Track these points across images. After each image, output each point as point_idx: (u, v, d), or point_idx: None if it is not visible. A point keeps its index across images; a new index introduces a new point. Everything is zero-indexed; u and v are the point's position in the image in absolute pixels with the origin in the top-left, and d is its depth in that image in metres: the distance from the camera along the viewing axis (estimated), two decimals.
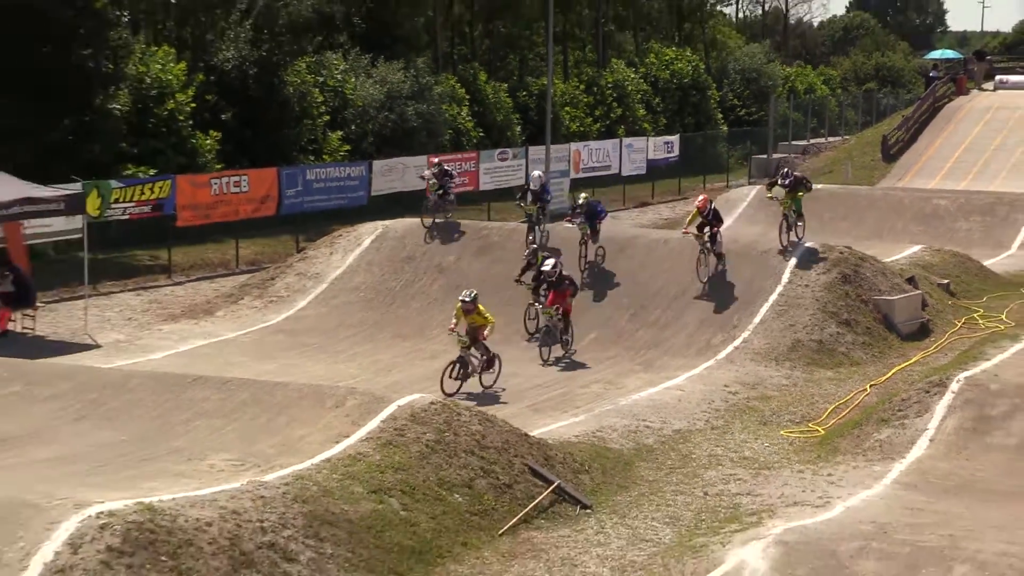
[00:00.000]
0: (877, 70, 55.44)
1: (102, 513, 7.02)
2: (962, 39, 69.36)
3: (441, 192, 18.28)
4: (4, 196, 15.10)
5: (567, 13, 38.75)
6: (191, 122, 24.28)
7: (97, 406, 10.75)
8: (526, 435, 10.19)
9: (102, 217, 19.97)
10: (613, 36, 45.06)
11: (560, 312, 14.44)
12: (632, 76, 40.39)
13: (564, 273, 14.76)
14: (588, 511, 9.53)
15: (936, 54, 52.31)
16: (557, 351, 14.59)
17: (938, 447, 10.77)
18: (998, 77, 39.42)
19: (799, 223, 17.13)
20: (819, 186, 25.09)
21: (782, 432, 11.83)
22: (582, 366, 14.61)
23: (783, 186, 17.15)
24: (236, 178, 23.35)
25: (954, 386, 11.46)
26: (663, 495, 9.98)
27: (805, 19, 63.99)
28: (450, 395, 12.05)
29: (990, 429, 10.94)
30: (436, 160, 20.43)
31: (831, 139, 41.45)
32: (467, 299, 12.82)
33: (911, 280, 17.34)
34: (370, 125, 28.54)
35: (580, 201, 17.16)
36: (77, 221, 17.40)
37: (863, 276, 16.46)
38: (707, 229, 16.01)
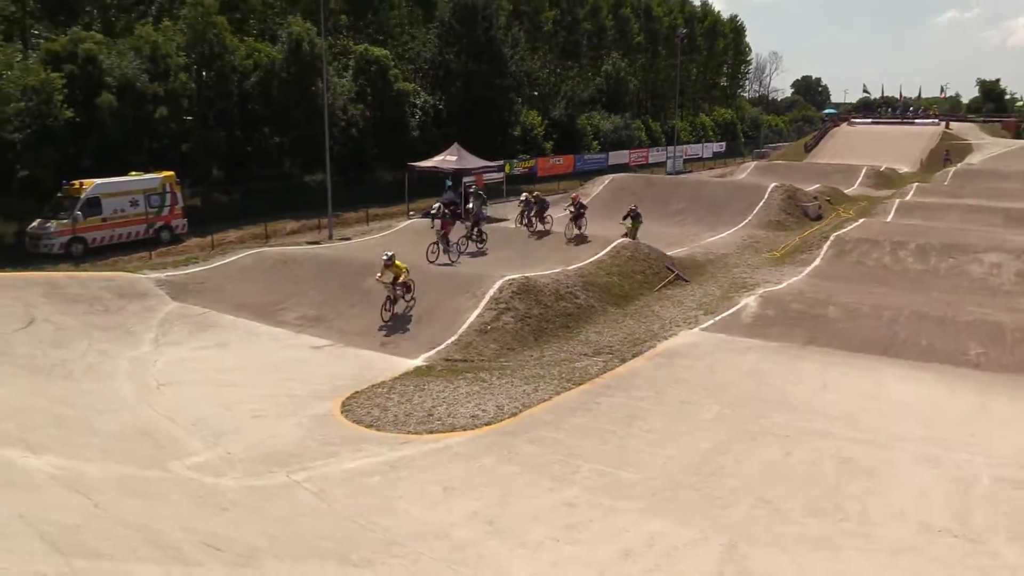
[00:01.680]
0: (803, 118, 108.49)
1: (511, 279, 20.71)
2: (836, 105, 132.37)
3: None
4: (476, 164, 34.07)
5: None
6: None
7: (507, 243, 25.16)
8: (664, 253, 24.86)
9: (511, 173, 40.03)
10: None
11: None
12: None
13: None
14: (687, 282, 24.20)
15: (829, 110, 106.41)
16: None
17: (823, 261, 25.72)
18: (851, 119, 79.45)
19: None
20: (778, 161, 52.06)
21: (763, 254, 26.87)
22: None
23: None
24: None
25: (831, 237, 26.62)
26: (716, 277, 24.42)
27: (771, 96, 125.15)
28: (386, 322, 18.19)
29: (843, 255, 26.03)
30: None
31: (783, 144, 76.58)
32: (385, 258, 18.78)
33: (816, 197, 32.95)
34: None
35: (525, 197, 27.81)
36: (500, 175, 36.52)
37: (796, 195, 32.29)
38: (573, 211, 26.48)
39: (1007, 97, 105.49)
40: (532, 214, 27.29)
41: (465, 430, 12.91)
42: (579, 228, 26.15)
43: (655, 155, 62.82)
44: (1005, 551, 9.67)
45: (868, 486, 11.10)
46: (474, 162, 35.67)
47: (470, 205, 27.43)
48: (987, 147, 69.43)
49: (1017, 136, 77.18)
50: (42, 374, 14.24)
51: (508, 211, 36.24)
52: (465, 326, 17.79)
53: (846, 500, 10.80)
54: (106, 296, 19.10)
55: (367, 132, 40.87)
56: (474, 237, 25.11)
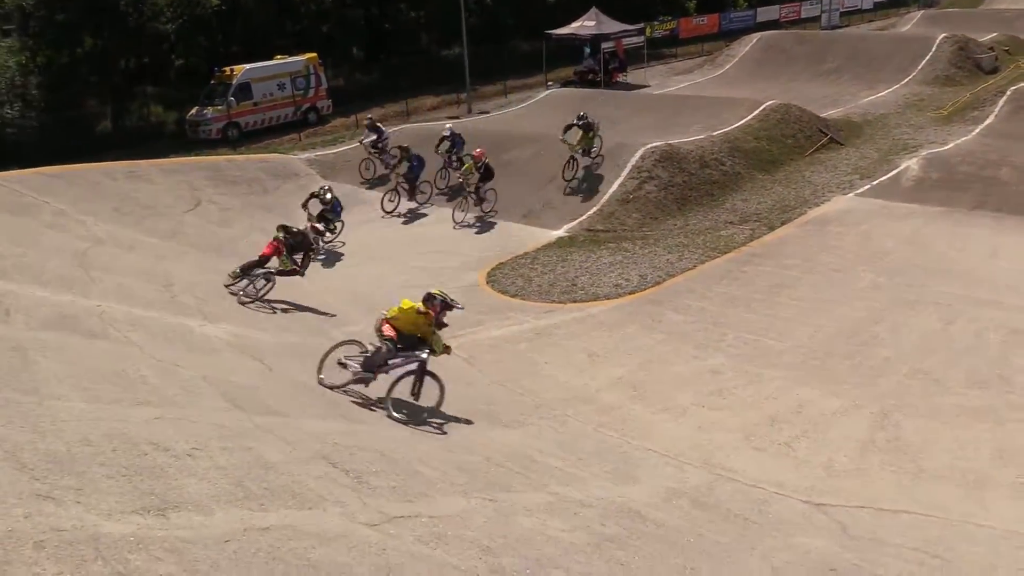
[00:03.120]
0: None
1: (653, 147, 19.82)
2: None
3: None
4: (615, 28, 33.91)
5: None
6: None
7: (648, 110, 24.50)
8: (817, 115, 23.49)
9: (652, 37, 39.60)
10: None
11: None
12: None
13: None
14: (842, 145, 22.80)
15: None
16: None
17: (998, 119, 23.50)
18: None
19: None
20: (950, 9, 51.30)
21: (928, 113, 24.92)
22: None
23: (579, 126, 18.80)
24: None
25: (1008, 92, 24.21)
26: (874, 139, 22.95)
27: None
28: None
29: (1021, 111, 23.68)
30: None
31: None
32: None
33: (992, 48, 29.75)
34: None
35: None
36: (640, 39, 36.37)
37: (969, 46, 30.02)
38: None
39: None
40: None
41: (609, 299, 13.02)
42: (480, 205, 17.80)
43: (808, 9, 58.30)
44: None
45: None
46: (613, 26, 34.42)
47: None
48: None
49: None
50: (212, 251, 15.32)
51: (649, 76, 35.09)
52: (607, 196, 17.64)
53: (1013, 372, 10.27)
54: (263, 177, 20.10)
55: (502, 1, 40.03)
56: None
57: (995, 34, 37.80)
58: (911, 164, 19.20)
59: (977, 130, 22.33)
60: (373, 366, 9.01)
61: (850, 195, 17.75)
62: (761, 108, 22.45)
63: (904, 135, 22.83)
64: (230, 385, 8.23)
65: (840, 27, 54.33)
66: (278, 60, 30.57)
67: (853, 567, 6.84)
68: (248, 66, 29.47)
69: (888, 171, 19.05)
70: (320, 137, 27.34)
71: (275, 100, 29.87)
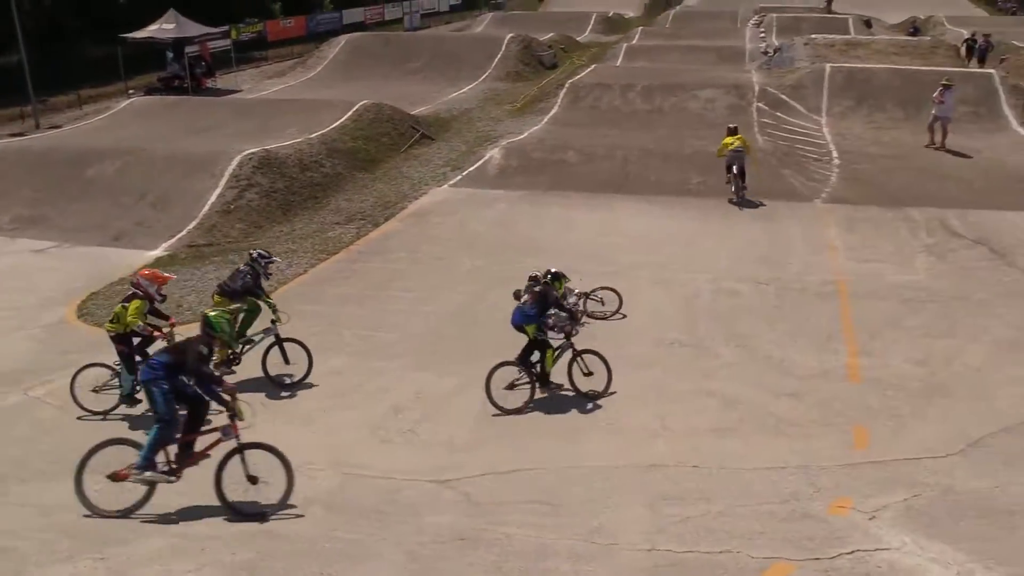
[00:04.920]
0: None
1: (250, 153, 19.05)
2: None
3: None
4: (197, 31, 32.28)
5: None
6: None
7: (242, 115, 23.38)
8: (408, 113, 24.55)
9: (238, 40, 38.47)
10: None
11: None
12: None
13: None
14: (433, 140, 24.10)
15: None
16: None
17: (561, 108, 26.47)
18: None
19: None
20: (514, 12, 52.48)
21: (504, 107, 27.29)
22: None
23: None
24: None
25: (567, 85, 27.53)
26: (461, 133, 24.26)
27: None
28: None
29: (578, 101, 27.04)
30: None
31: None
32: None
33: (551, 46, 33.67)
34: None
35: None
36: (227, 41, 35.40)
37: (532, 45, 33.66)
38: None
39: None
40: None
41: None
42: None
43: (391, 11, 60.87)
44: (723, 351, 11.10)
45: (616, 313, 12.13)
46: (195, 29, 32.72)
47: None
48: None
49: None
50: None
51: (240, 81, 34.03)
52: (207, 207, 16.80)
53: (598, 327, 11.78)
54: None
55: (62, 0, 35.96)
56: None
57: (552, 34, 42.78)
58: (494, 153, 20.99)
59: (545, 120, 25.08)
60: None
61: (445, 186, 18.93)
62: (355, 108, 22.95)
63: (486, 127, 24.87)
64: None
65: (422, 28, 57.53)
66: None
67: (479, 531, 7.36)
68: None
69: (475, 161, 20.63)
70: None
71: None
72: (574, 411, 9.80)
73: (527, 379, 9.95)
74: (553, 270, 10.62)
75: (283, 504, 7.44)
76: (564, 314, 10.11)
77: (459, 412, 9.83)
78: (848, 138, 22.58)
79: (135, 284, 9.74)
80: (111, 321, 9.60)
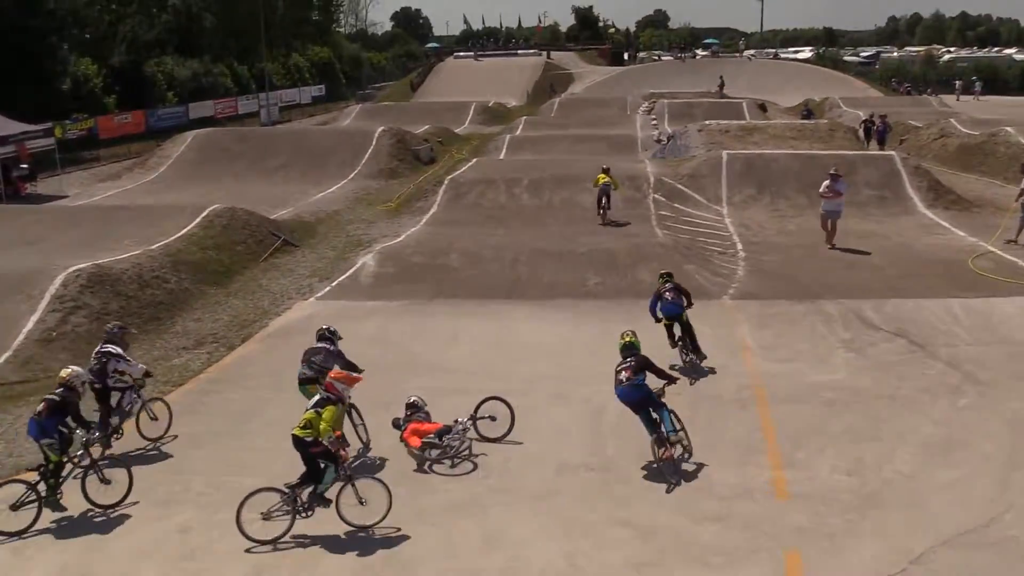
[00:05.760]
0: (406, 53, 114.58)
1: (78, 269, 17.85)
2: (439, 38, 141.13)
3: None
4: (14, 130, 32.20)
5: None
6: None
7: (68, 225, 22.73)
8: (267, 217, 24.32)
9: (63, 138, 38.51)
10: None
11: None
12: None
13: None
14: (297, 247, 23.94)
15: (432, 45, 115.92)
16: None
17: (441, 207, 27.03)
18: (456, 53, 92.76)
19: None
20: (385, 103, 62.50)
21: (378, 207, 27.51)
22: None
23: None
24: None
25: (446, 181, 28.05)
26: (328, 238, 24.49)
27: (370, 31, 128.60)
28: None
29: (460, 198, 27.56)
30: None
31: (387, 84, 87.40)
32: None
33: (427, 139, 34.46)
34: None
35: None
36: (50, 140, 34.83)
37: (406, 139, 33.59)
38: None
39: (600, 24, 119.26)
40: None
41: (33, 470, 11.59)
42: None
43: (246, 104, 61.27)
44: (635, 473, 11.07)
45: (510, 435, 11.98)
46: (11, 127, 32.00)
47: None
48: (587, 76, 78.31)
49: (613, 63, 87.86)
50: None
51: (67, 185, 33.16)
52: (22, 336, 15.92)
53: (489, 454, 11.58)
54: None
55: None
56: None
57: (428, 126, 43.85)
58: (367, 260, 20.95)
59: (424, 220, 25.38)
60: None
61: (311, 299, 18.66)
62: (204, 214, 22.60)
63: (358, 231, 24.91)
64: None
65: (281, 122, 57.95)
66: None
67: None
68: None
69: (346, 270, 20.52)
70: None
71: None
72: (463, 552, 9.49)
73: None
74: (411, 399, 11.66)
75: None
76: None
77: (332, 569, 9.38)
78: (752, 228, 23.72)
79: (328, 388, 10.18)
80: (303, 427, 9.86)
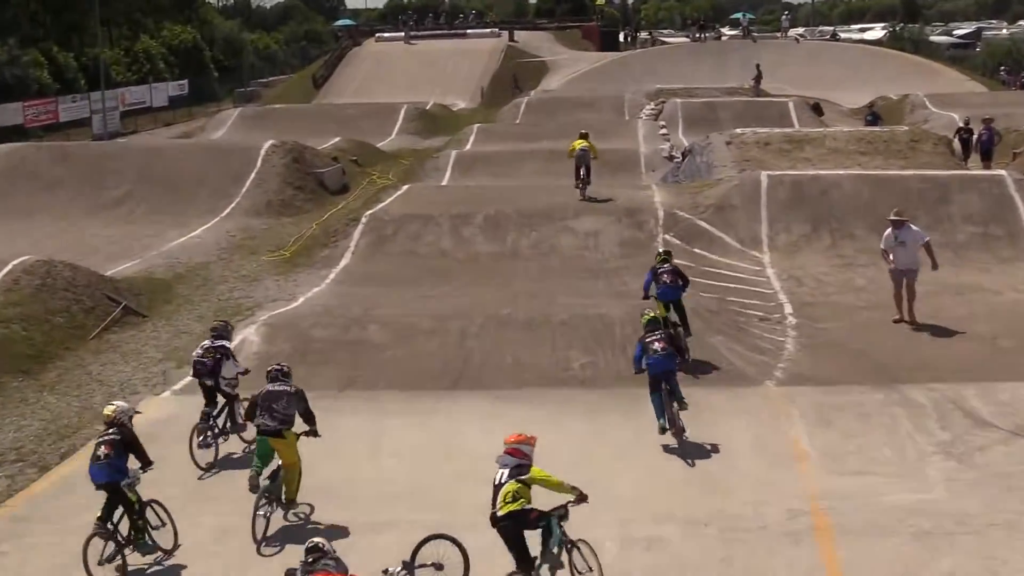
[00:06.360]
0: (307, 34, 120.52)
1: None
2: (355, 13, 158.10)
3: None
4: None
5: None
6: None
7: None
8: (101, 275, 24.13)
9: None
10: None
11: None
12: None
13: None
14: (144, 317, 23.73)
15: (344, 21, 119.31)
16: None
17: (356, 257, 27.07)
18: (379, 34, 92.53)
19: None
20: (276, 106, 66.50)
21: (265, 257, 27.55)
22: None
23: None
24: None
25: (364, 218, 28.12)
26: (192, 302, 24.62)
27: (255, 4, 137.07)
28: None
29: (384, 243, 27.64)
30: None
31: (280, 78, 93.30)
32: None
33: (336, 158, 34.58)
34: None
35: None
36: None
37: (307, 157, 33.52)
38: None
39: None
40: None
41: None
42: None
43: (71, 108, 61.30)
44: None
45: None
46: None
47: None
48: (566, 64, 79.21)
49: (604, 47, 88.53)
50: None
51: None
52: None
53: None
54: None
55: None
56: None
57: (338, 139, 44.15)
58: (249, 335, 20.82)
59: (332, 275, 25.38)
60: None
61: (166, 394, 18.55)
62: (6, 271, 22.42)
63: (236, 292, 24.90)
64: None
65: (124, 134, 57.94)
66: None
67: None
68: None
69: None
70: None
71: None
72: None
73: None
74: (312, 541, 10.11)
75: None
76: None
77: None
78: (805, 282, 23.89)
79: (513, 454, 11.71)
80: (511, 500, 11.29)
